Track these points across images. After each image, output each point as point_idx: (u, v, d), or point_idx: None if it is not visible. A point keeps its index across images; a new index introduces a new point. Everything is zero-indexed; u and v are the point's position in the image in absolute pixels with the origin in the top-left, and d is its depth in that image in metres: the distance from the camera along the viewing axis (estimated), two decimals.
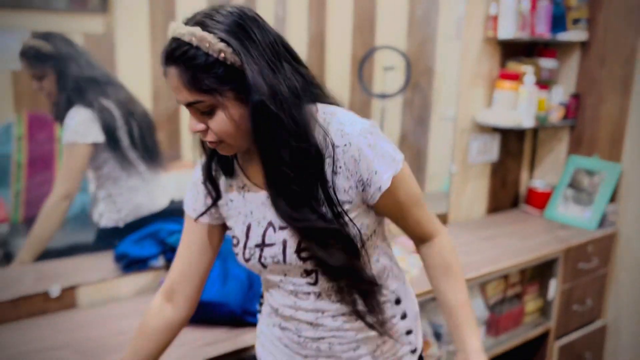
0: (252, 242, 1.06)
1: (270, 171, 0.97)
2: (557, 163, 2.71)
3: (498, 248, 2.22)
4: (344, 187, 1.00)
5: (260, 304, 1.26)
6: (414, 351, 1.17)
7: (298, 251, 1.02)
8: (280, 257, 1.03)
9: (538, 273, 2.34)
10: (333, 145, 0.97)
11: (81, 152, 1.63)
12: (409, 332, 1.16)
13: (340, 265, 1.00)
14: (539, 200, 2.67)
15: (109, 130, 1.64)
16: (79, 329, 1.51)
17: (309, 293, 1.06)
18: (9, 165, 1.57)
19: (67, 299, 1.61)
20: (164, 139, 1.81)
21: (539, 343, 2.37)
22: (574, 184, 2.60)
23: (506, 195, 2.74)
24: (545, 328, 2.33)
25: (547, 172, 2.75)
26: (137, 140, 1.71)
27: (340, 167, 0.99)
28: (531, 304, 2.32)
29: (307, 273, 1.05)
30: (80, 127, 1.61)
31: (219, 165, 1.08)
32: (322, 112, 1.01)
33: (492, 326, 2.19)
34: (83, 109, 1.60)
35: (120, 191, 1.73)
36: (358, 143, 0.97)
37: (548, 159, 2.75)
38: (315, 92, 1.02)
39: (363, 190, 1.01)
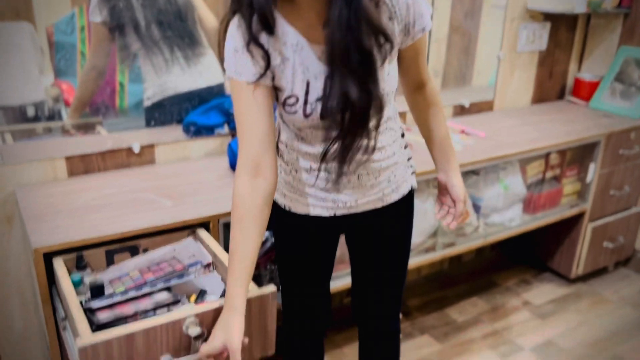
0: (312, 97, 1.17)
1: (333, 21, 1.06)
2: (607, 54, 2.71)
3: (541, 131, 2.32)
4: (394, 32, 1.14)
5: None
6: (413, 172, 1.43)
7: (353, 99, 1.13)
8: (340, 107, 1.15)
9: (578, 157, 2.43)
10: None
11: (95, 30, 1.72)
12: (409, 159, 1.40)
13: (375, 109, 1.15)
14: (586, 91, 2.71)
15: (117, 12, 1.70)
16: (159, 179, 1.74)
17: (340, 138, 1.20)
18: (75, 55, 1.73)
19: (146, 156, 1.83)
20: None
21: (573, 223, 2.51)
22: (622, 77, 2.61)
23: (553, 85, 2.78)
24: (581, 210, 2.45)
25: (596, 64, 2.76)
26: (163, 23, 1.77)
27: (394, 13, 1.11)
28: (569, 186, 2.43)
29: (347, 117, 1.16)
30: (94, 8, 1.70)
31: (261, 24, 1.08)
32: None
33: (530, 204, 2.33)
34: None
35: (150, 71, 1.82)
36: None
37: (598, 50, 2.75)
38: None
39: (406, 33, 1.17)
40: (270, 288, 1.20)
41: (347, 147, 1.17)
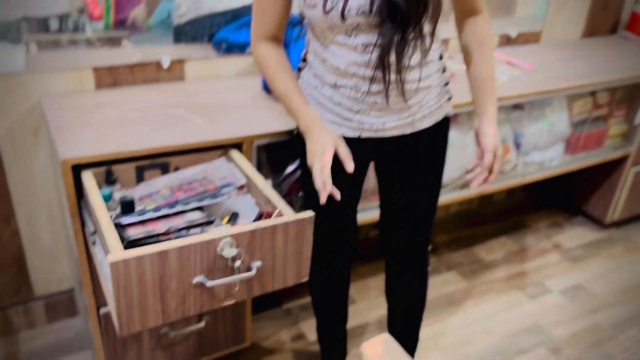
0: None
1: None
2: None
3: (590, 67, 2.17)
4: None
5: (299, 69, 1.35)
6: (449, 99, 1.34)
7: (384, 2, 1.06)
8: (367, 8, 1.07)
9: (628, 97, 2.28)
10: None
11: None
12: (446, 84, 1.32)
13: (413, 15, 1.07)
14: None
15: None
16: (189, 96, 1.66)
17: (375, 47, 1.12)
18: None
19: (176, 71, 1.74)
20: None
21: (614, 167, 2.40)
22: None
23: (606, 19, 2.59)
24: (625, 153, 2.33)
25: None
26: None
27: None
28: (615, 127, 2.30)
29: (381, 25, 1.09)
30: None
31: None
32: None
33: (572, 143, 2.21)
34: None
35: None
36: None
37: None
38: None
39: None
40: (308, 213, 1.14)
41: (383, 54, 1.11)
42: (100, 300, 1.43)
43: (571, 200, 2.70)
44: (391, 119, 1.23)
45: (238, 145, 1.45)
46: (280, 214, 1.19)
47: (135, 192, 1.33)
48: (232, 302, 1.14)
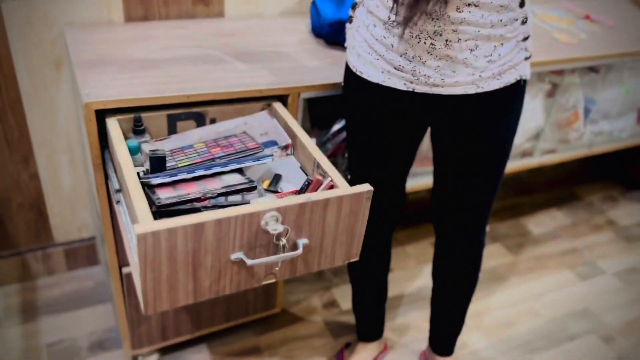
0: None
1: None
2: None
3: None
4: None
5: (350, 19, 1.18)
6: (527, 58, 1.12)
7: None
8: None
9: None
10: None
11: None
12: (525, 39, 1.10)
13: None
14: None
15: None
16: (229, 35, 1.47)
17: None
18: None
19: (214, 6, 1.54)
20: None
21: None
22: None
23: None
24: None
25: None
26: None
27: None
28: None
29: None
30: None
31: None
32: None
33: None
34: None
35: None
36: None
37: None
38: None
39: None
40: (365, 187, 0.98)
41: None
42: (123, 259, 1.31)
43: (628, 173, 2.48)
44: (452, 73, 1.04)
45: (283, 98, 1.28)
46: (331, 184, 1.02)
47: (167, 144, 1.18)
48: (272, 281, 1.00)
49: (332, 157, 1.44)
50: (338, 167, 1.46)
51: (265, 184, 1.15)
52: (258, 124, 1.25)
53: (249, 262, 0.91)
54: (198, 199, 0.96)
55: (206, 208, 0.95)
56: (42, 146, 1.55)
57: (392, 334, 1.68)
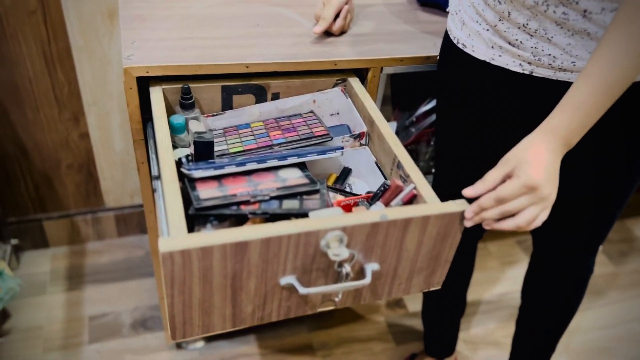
0: None
1: None
2: None
3: None
4: None
5: None
6: None
7: None
8: None
9: None
10: None
11: None
12: None
13: None
14: None
15: None
16: None
17: None
18: None
19: None
20: None
21: None
22: None
23: None
24: None
25: None
26: None
27: None
28: None
29: None
30: None
31: None
32: None
33: None
34: None
35: None
36: None
37: None
38: None
39: None
40: (460, 204, 0.75)
41: None
42: None
43: None
44: (587, 55, 0.78)
45: (360, 72, 1.05)
46: (413, 193, 0.81)
47: (219, 122, 0.99)
48: (330, 308, 0.81)
49: (415, 144, 1.21)
50: (421, 156, 1.23)
51: (331, 180, 0.95)
52: (328, 103, 1.04)
53: (301, 290, 0.72)
54: (246, 202, 0.78)
55: (254, 214, 0.76)
56: (92, 105, 1.41)
57: (464, 347, 1.47)
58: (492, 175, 0.73)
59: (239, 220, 0.78)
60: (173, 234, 0.68)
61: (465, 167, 1.02)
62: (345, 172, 0.96)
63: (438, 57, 1.01)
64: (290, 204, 0.78)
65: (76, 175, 1.52)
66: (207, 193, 0.78)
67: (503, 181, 0.73)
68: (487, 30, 0.85)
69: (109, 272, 1.57)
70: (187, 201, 0.78)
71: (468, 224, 0.75)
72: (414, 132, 1.19)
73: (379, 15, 1.18)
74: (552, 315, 1.17)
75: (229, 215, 0.76)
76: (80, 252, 1.62)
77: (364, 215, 0.71)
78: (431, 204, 0.76)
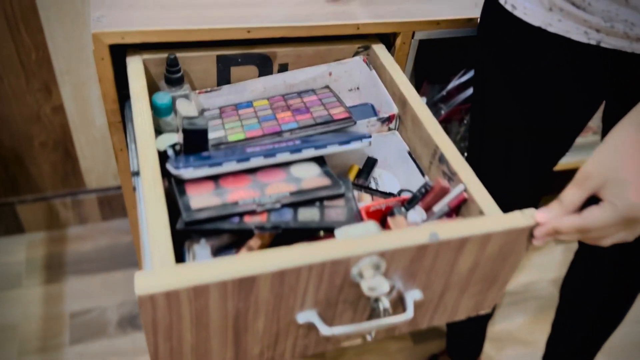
0: None
1: None
2: None
3: None
4: None
5: None
6: None
7: None
8: None
9: None
10: None
11: None
12: None
13: None
14: None
15: None
16: None
17: None
18: None
19: None
20: None
21: None
22: None
23: None
24: None
25: None
26: None
27: None
28: None
29: None
30: None
31: None
32: None
33: None
34: None
35: None
36: None
37: None
38: None
39: None
40: (528, 217, 0.58)
41: None
42: None
43: None
44: None
45: (386, 38, 0.86)
46: (463, 197, 0.63)
47: (214, 100, 0.81)
48: (356, 343, 0.65)
49: (445, 122, 1.03)
50: (451, 137, 1.05)
51: (353, 173, 0.77)
52: (348, 76, 0.85)
53: (325, 331, 0.55)
54: (252, 212, 0.60)
55: (262, 229, 0.58)
56: (66, 73, 1.21)
57: (489, 346, 1.33)
58: (572, 197, 0.55)
59: (242, 234, 0.61)
60: (155, 265, 0.51)
61: (507, 152, 0.84)
62: (370, 164, 0.78)
63: (479, 20, 0.82)
64: (308, 214, 0.61)
65: (51, 154, 1.33)
66: (200, 200, 0.60)
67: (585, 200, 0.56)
68: None
69: (93, 262, 1.40)
70: (175, 208, 0.60)
71: (538, 243, 0.59)
72: (445, 109, 1.01)
73: None
74: (598, 320, 1.02)
75: (227, 230, 0.58)
76: (59, 238, 1.45)
77: (407, 236, 0.54)
78: (492, 217, 0.59)
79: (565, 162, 1.16)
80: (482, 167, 0.87)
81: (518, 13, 0.71)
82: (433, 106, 1.02)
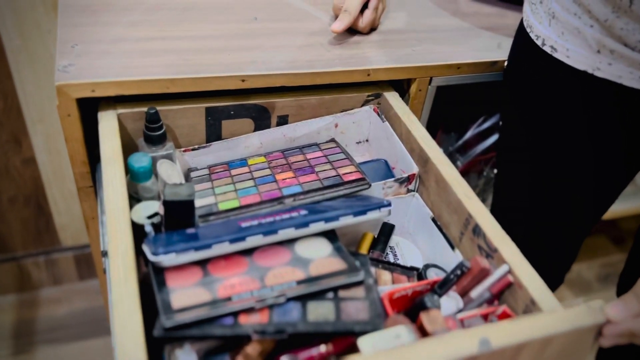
0: None
1: None
2: None
3: None
4: None
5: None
6: None
7: None
8: None
9: None
10: None
11: None
12: None
13: None
14: None
15: None
16: None
17: None
18: None
19: None
20: None
21: None
22: None
23: None
24: None
25: None
26: None
27: None
28: None
29: None
30: None
31: None
32: None
33: None
34: None
35: None
36: None
37: None
38: None
39: None
40: (595, 313, 0.46)
41: None
42: None
43: None
44: None
45: (400, 84, 0.76)
46: (508, 281, 0.52)
47: (202, 159, 0.69)
48: None
49: (462, 175, 0.92)
50: (472, 180, 0.94)
51: (366, 244, 0.65)
52: (356, 128, 0.74)
53: None
54: (250, 309, 0.48)
55: (263, 334, 0.46)
56: (38, 122, 1.10)
57: None
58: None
59: (236, 340, 0.48)
60: None
61: (550, 208, 0.74)
62: (387, 231, 0.66)
63: (506, 63, 0.73)
64: (321, 311, 0.48)
65: (22, 210, 1.20)
66: (183, 295, 0.48)
67: None
68: (592, 26, 0.57)
69: (67, 328, 1.26)
70: (151, 302, 0.48)
71: (607, 344, 0.47)
72: (462, 160, 0.90)
73: (416, 5, 0.89)
74: None
75: (220, 336, 0.46)
76: (31, 301, 1.31)
77: (451, 345, 0.42)
78: (553, 314, 0.47)
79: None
80: (508, 218, 0.76)
81: (559, 55, 0.61)
82: (449, 157, 0.91)
